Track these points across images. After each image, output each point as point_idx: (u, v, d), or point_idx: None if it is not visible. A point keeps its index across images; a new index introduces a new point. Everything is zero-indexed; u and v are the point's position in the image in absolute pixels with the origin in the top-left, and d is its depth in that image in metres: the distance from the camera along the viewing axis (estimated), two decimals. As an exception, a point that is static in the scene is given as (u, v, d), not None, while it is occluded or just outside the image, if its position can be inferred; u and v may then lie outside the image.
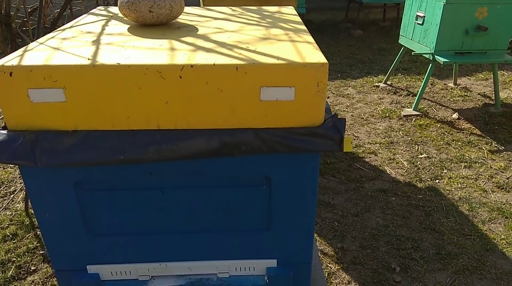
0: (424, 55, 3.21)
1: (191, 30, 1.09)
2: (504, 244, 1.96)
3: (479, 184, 2.44)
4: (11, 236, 2.02)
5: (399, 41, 3.62)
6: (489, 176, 2.51)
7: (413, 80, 4.08)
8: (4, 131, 0.86)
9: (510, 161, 2.67)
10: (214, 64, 0.83)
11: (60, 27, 1.88)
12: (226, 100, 0.86)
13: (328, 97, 3.73)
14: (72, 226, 1.00)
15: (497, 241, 1.99)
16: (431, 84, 3.94)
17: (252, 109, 0.87)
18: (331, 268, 1.84)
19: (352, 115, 3.36)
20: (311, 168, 0.95)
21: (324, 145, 0.89)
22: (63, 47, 0.92)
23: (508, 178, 2.49)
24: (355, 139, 2.98)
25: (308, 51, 0.90)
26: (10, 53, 1.97)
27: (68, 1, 2.19)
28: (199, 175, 0.96)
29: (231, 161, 0.93)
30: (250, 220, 1.02)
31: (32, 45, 0.95)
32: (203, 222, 1.02)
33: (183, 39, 0.99)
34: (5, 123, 0.88)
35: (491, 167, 2.61)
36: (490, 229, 2.07)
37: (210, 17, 1.23)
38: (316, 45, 0.94)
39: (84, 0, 2.74)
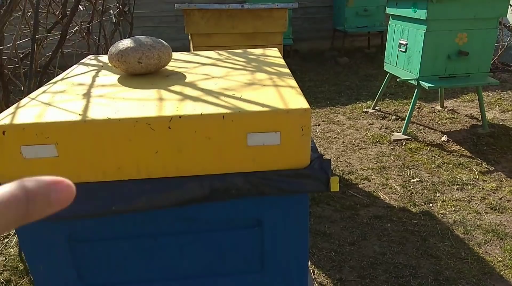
0: (409, 81, 3.30)
1: (179, 77, 1.13)
2: (502, 267, 1.96)
3: (473, 206, 2.46)
4: (4, 282, 1.98)
5: (384, 68, 3.72)
6: (481, 198, 2.53)
7: (401, 104, 4.17)
8: (-3, 188, 0.88)
9: (501, 181, 2.71)
10: (201, 114, 0.86)
11: (52, 69, 1.92)
12: (215, 147, 0.89)
13: (319, 125, 3.78)
14: (66, 277, 1.00)
15: (494, 263, 1.99)
16: (419, 108, 4.02)
17: (240, 154, 0.90)
18: (330, 301, 1.82)
19: (343, 142, 3.40)
20: (300, 209, 0.97)
21: (312, 186, 0.91)
22: (54, 102, 0.95)
23: (500, 199, 2.52)
24: (347, 166, 3.01)
25: (291, 97, 0.94)
26: (2, 99, 2.01)
27: (59, 45, 2.26)
28: (191, 221, 0.97)
29: (222, 205, 0.95)
30: (243, 262, 1.03)
31: (24, 101, 0.98)
32: (197, 266, 1.03)
33: (171, 88, 1.03)
34: (-2, 179, 0.89)
35: (483, 188, 2.64)
36: (486, 252, 2.07)
37: (198, 63, 1.28)
38: (299, 90, 0.98)
39: (75, 43, 2.81)
